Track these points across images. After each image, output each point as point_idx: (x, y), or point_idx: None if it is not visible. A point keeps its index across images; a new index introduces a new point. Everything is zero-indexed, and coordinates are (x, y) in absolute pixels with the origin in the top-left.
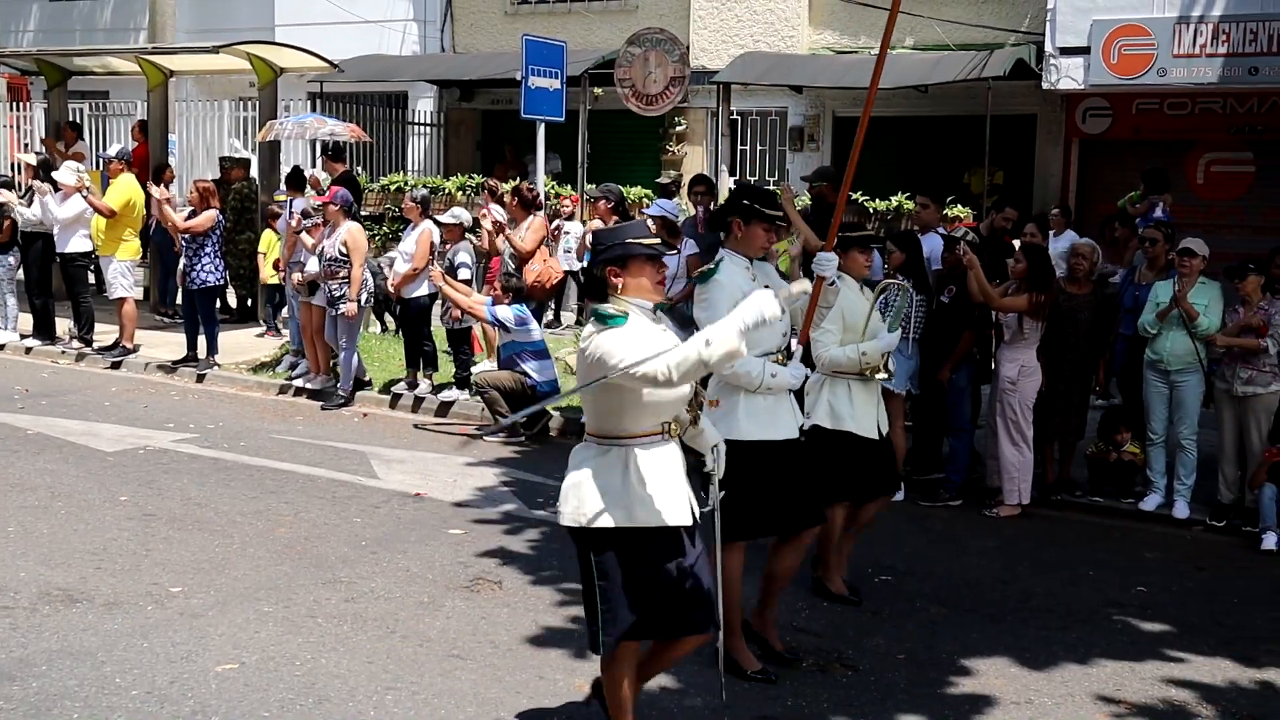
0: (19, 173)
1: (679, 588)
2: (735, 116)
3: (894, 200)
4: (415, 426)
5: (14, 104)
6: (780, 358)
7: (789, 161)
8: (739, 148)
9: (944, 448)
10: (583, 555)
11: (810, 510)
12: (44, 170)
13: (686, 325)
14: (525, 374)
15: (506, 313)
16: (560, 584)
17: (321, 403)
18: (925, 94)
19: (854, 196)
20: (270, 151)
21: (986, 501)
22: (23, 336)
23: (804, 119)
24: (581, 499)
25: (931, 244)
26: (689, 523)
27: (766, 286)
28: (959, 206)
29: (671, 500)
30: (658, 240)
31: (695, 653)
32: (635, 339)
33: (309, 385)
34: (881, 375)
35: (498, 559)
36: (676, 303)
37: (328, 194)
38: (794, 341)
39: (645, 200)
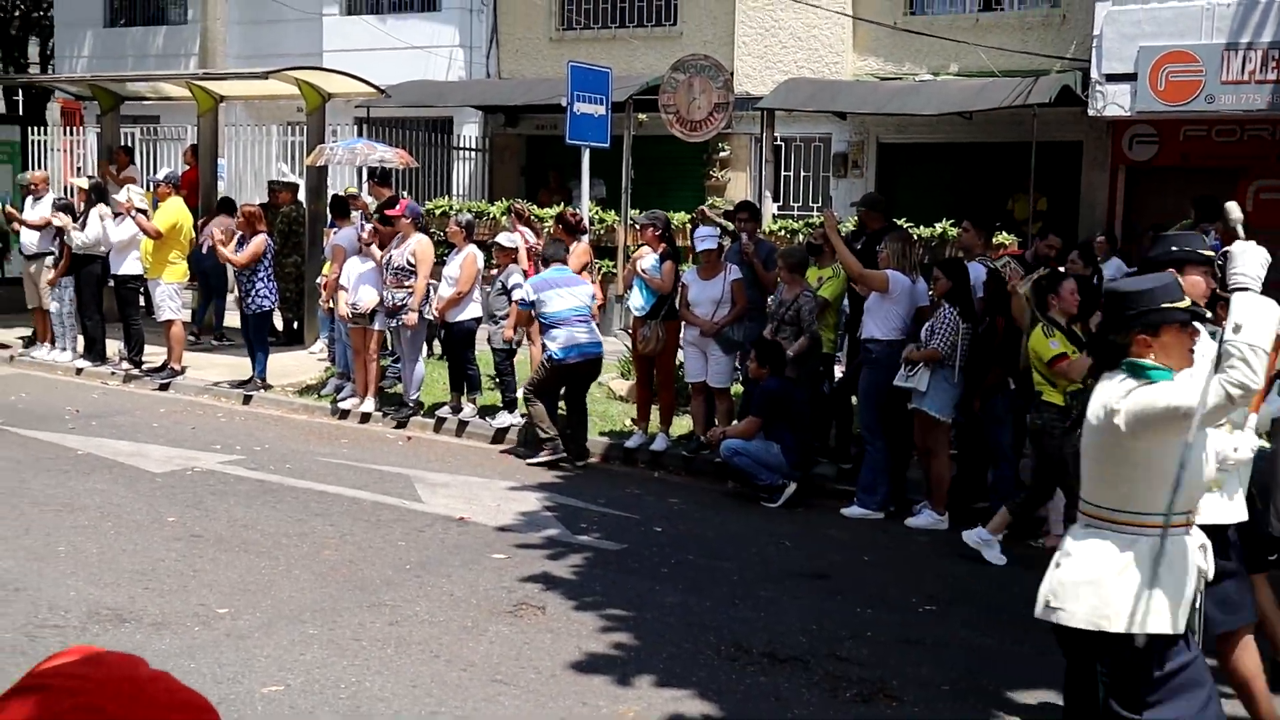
0: (73, 196)
1: (1188, 693)
2: (779, 142)
3: (939, 227)
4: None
5: (68, 128)
6: (1229, 427)
7: (833, 188)
8: (782, 174)
9: (989, 477)
10: (1084, 657)
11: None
12: (96, 193)
13: (731, 350)
14: (544, 348)
15: (524, 290)
16: (603, 610)
17: (393, 415)
18: (970, 120)
19: (899, 222)
20: (318, 175)
21: (1033, 531)
22: (73, 357)
23: (848, 145)
24: (1103, 599)
25: (975, 272)
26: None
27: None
28: (1004, 234)
29: (1186, 602)
30: (1190, 303)
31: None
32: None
33: (358, 408)
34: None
35: (541, 584)
36: (722, 328)
37: (398, 207)
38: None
39: (690, 222)
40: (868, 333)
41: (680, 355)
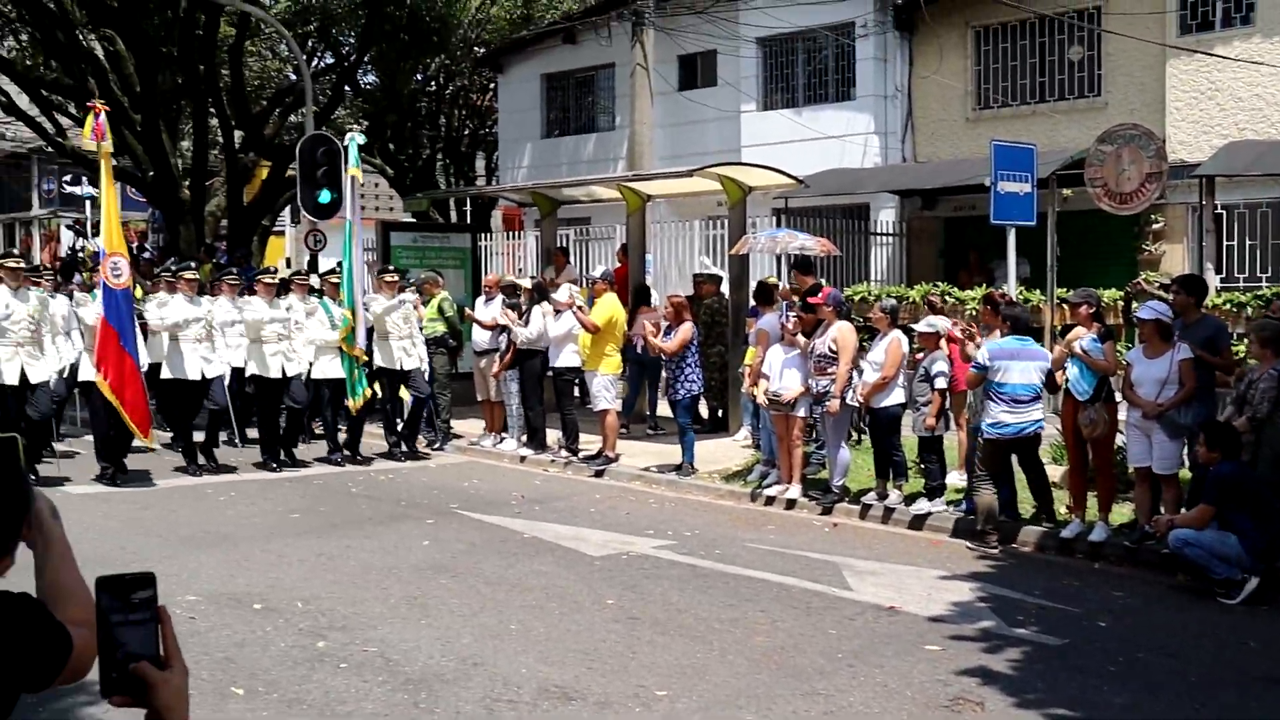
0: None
1: None
2: (1220, 210)
3: None
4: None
5: (509, 233)
6: None
7: None
8: (1224, 243)
9: None
10: None
11: None
12: (539, 293)
13: (1178, 434)
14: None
15: (980, 354)
16: (1046, 709)
17: (819, 502)
18: None
19: None
20: (740, 266)
21: None
22: (517, 446)
23: None
24: None
25: None
26: None
27: None
28: None
29: None
30: None
31: None
32: None
33: (783, 494)
34: None
35: (977, 678)
36: (1167, 410)
37: (820, 295)
38: None
39: (1123, 298)
40: None
41: (1120, 438)
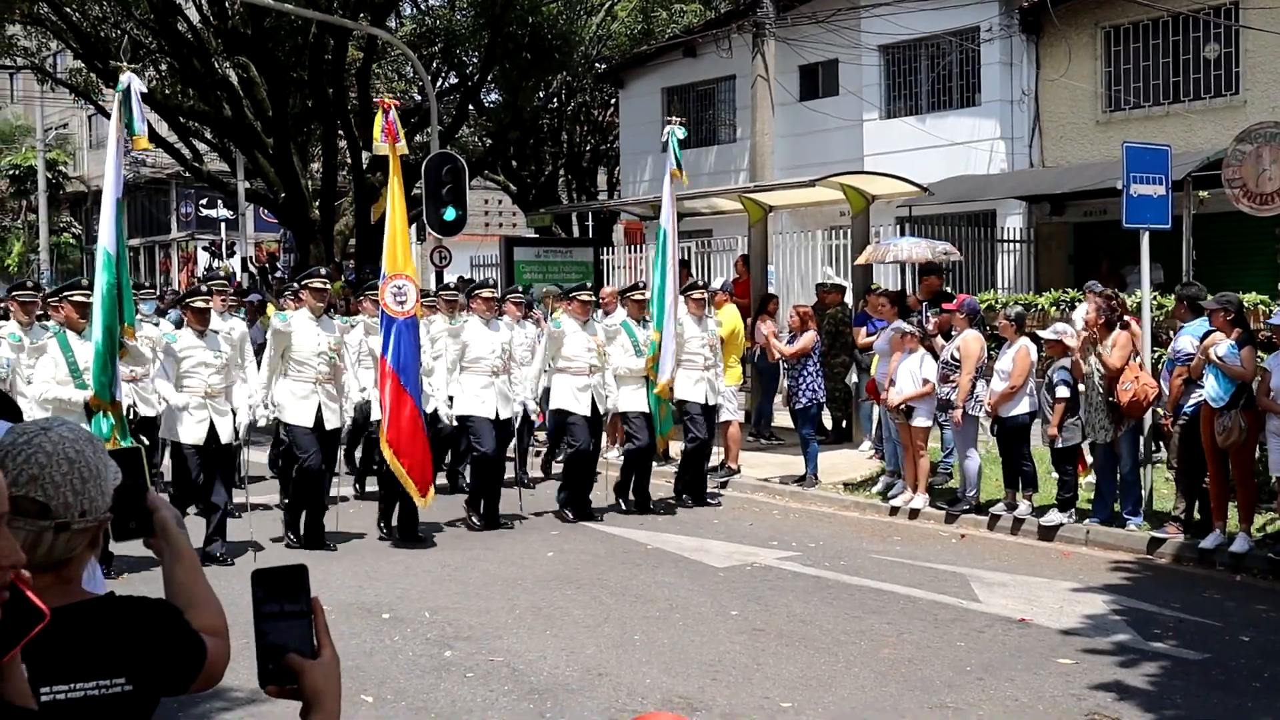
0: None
1: None
2: None
3: None
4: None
5: (630, 247)
6: None
7: None
8: None
9: None
10: None
11: None
12: None
13: None
14: None
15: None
16: None
17: (945, 510)
18: None
19: None
20: (864, 275)
21: None
22: None
23: None
24: None
25: None
26: None
27: None
28: None
29: None
30: None
31: None
32: None
33: (909, 503)
34: None
35: (1113, 693)
36: None
37: (955, 303)
38: None
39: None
40: None
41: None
